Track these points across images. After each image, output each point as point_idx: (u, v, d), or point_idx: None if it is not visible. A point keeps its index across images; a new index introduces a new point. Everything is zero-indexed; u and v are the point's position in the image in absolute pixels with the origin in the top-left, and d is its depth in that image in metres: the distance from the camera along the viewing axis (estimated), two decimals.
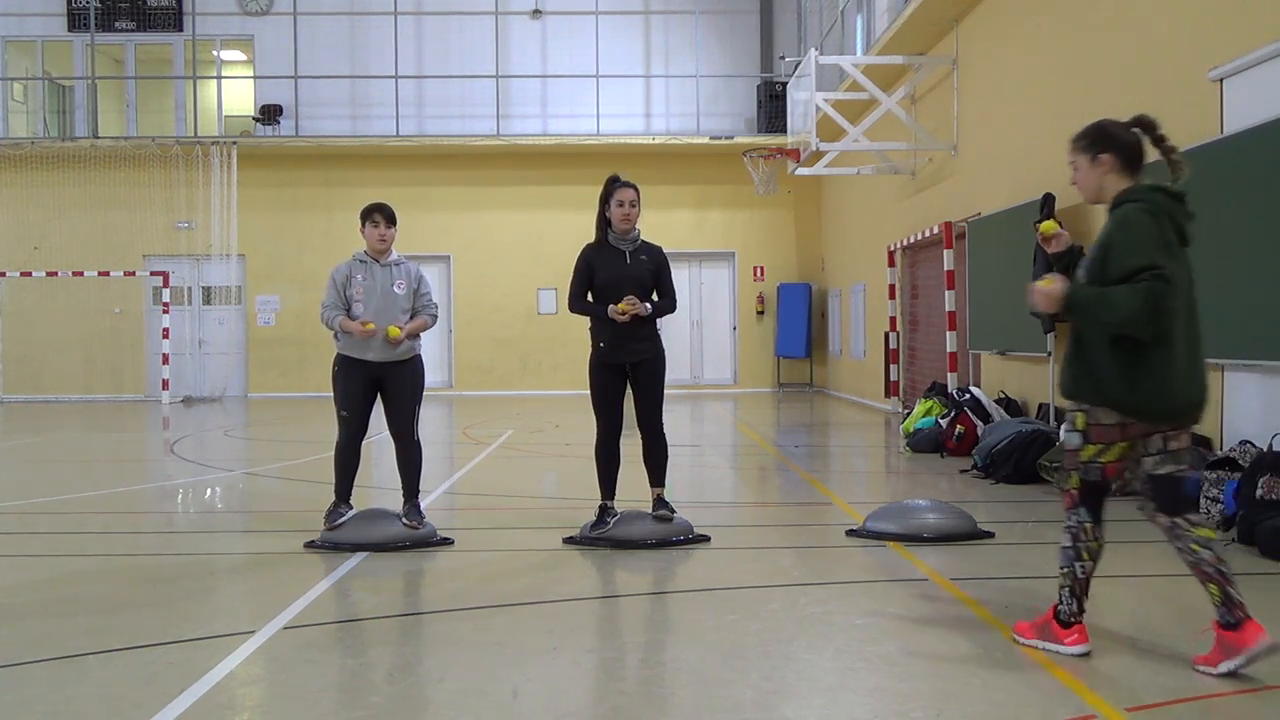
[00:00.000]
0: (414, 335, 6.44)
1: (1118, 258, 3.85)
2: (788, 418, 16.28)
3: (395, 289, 6.40)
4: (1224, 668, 3.82)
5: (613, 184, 6.33)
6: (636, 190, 6.32)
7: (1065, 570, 4.09)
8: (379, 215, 6.43)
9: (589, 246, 6.42)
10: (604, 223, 6.36)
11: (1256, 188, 6.96)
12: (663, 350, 6.41)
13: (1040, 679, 3.86)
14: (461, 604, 5.00)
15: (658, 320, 6.42)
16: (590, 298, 6.35)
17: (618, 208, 6.27)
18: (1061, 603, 4.10)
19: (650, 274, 6.33)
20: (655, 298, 6.36)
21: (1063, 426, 4.20)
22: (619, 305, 6.11)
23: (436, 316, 6.62)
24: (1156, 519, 3.99)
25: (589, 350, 6.41)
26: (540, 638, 4.44)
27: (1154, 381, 3.85)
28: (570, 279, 6.41)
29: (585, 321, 6.46)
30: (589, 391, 6.40)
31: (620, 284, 6.21)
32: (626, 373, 6.34)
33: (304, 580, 5.47)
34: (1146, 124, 4.02)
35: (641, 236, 6.43)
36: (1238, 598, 3.81)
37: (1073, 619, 4.09)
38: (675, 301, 6.45)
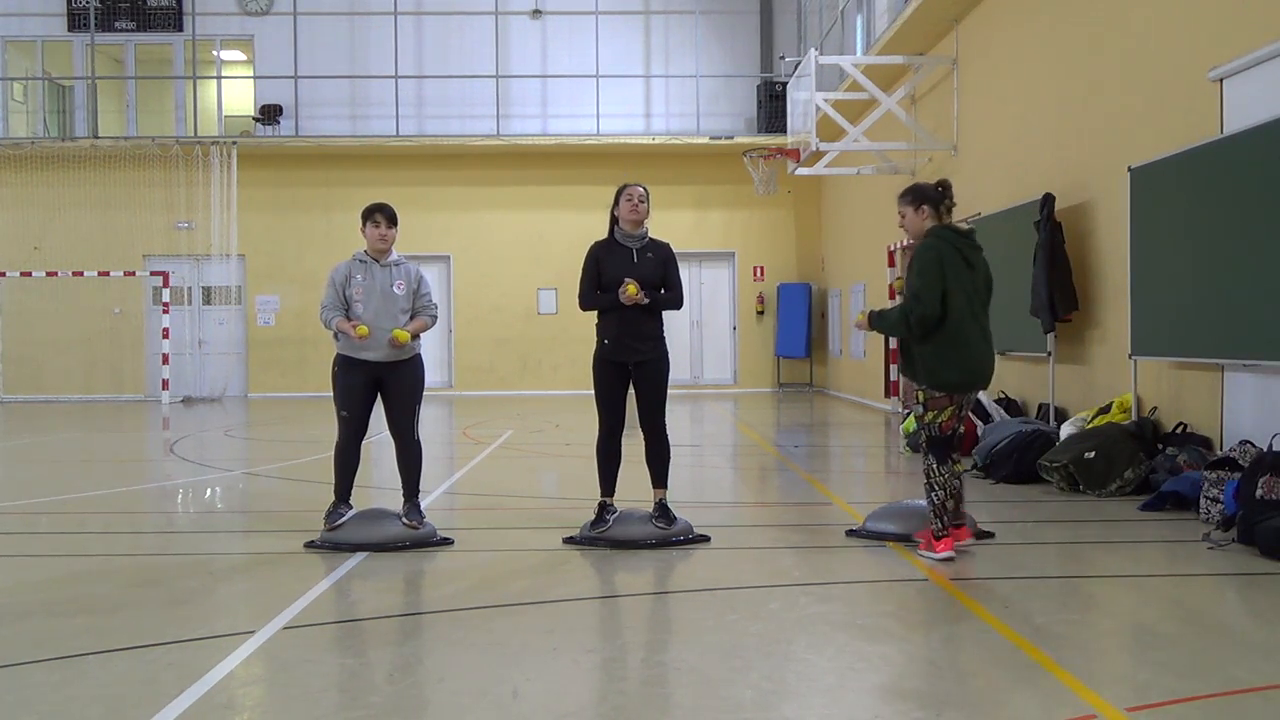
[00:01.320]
0: (414, 336, 6.44)
1: (911, 280, 5.72)
2: (788, 418, 16.28)
3: (395, 289, 6.40)
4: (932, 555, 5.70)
5: (624, 186, 6.45)
6: (646, 190, 6.44)
7: (929, 500, 5.81)
8: (380, 215, 6.42)
9: (598, 244, 6.47)
10: (614, 221, 6.46)
11: (1256, 188, 6.96)
12: (666, 353, 6.44)
13: (1040, 679, 3.86)
14: (461, 604, 5.00)
15: (663, 321, 6.46)
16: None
17: (626, 201, 6.35)
18: (936, 523, 5.75)
19: (657, 272, 6.37)
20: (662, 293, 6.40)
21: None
22: (629, 289, 6.12)
23: (436, 317, 6.61)
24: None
25: (590, 350, 6.44)
26: (540, 638, 4.44)
27: (956, 366, 5.68)
28: (579, 278, 6.45)
29: (587, 321, 6.48)
30: (592, 388, 6.42)
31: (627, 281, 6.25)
32: (630, 371, 6.36)
33: (304, 580, 5.47)
34: (946, 186, 5.88)
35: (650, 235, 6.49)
36: (948, 521, 5.75)
37: (942, 534, 5.74)
38: (681, 297, 6.46)
